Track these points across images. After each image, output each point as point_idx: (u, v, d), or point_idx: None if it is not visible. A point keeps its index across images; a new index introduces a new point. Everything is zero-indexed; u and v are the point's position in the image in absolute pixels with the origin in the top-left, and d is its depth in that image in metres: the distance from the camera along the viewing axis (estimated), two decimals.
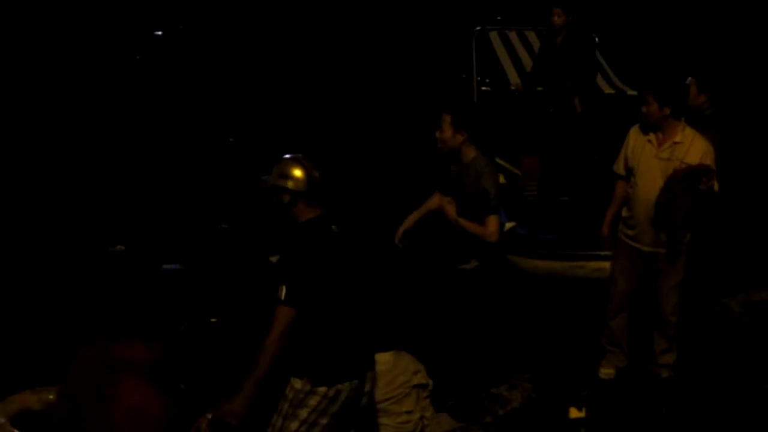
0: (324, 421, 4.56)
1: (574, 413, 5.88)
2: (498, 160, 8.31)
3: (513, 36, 9.14)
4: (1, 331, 5.97)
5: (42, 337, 5.88)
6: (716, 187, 5.69)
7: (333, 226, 4.61)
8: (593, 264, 6.86)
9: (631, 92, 8.48)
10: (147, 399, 3.65)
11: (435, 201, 5.84)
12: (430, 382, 5.47)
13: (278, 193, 4.59)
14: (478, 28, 9.11)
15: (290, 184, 4.55)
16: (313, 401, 4.57)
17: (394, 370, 5.18)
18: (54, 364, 5.16)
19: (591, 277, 6.85)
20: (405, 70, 11.97)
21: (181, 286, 3.70)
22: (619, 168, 5.98)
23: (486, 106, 8.49)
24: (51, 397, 3.85)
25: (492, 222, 5.49)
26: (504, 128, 8.45)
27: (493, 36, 9.17)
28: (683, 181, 5.58)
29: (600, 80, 8.63)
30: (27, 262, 7.08)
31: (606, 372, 6.23)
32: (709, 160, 5.67)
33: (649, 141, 5.76)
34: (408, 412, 5.11)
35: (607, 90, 8.58)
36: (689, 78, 6.33)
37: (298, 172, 4.56)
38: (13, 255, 7.15)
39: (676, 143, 5.70)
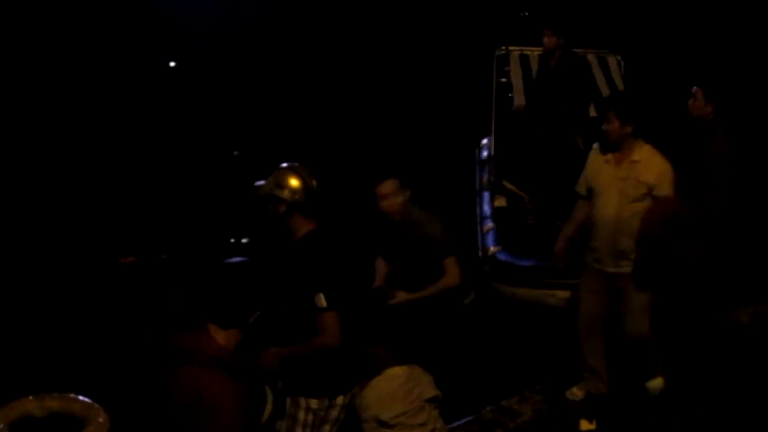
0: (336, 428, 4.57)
1: (584, 425, 5.75)
2: (505, 183, 8.17)
3: (533, 56, 8.79)
4: (7, 338, 5.89)
5: (48, 344, 5.83)
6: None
7: (329, 237, 4.50)
8: (561, 293, 6.66)
9: None
10: (210, 389, 3.33)
11: (381, 267, 5.67)
12: (439, 393, 5.34)
13: (274, 203, 4.44)
14: (503, 48, 8.92)
15: (286, 195, 4.40)
16: (334, 413, 4.55)
17: (408, 384, 5.06)
18: (59, 371, 5.13)
19: (559, 306, 6.65)
20: (428, 88, 11.80)
21: (249, 276, 3.52)
22: (581, 188, 5.77)
23: (505, 128, 8.33)
24: (53, 404, 3.76)
25: (450, 265, 5.30)
26: (514, 151, 8.30)
27: (513, 56, 8.91)
28: (665, 228, 5.42)
29: None
30: (35, 270, 7.01)
31: (573, 393, 5.97)
32: (666, 180, 5.45)
33: (607, 161, 5.56)
34: (422, 425, 4.97)
35: None
36: (694, 87, 6.19)
37: (295, 182, 4.42)
38: (21, 264, 7.08)
39: (633, 162, 5.49)
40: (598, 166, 5.62)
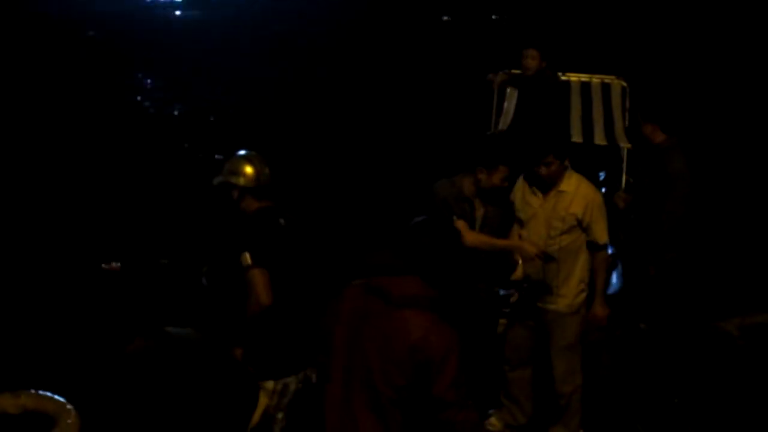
0: (280, 415, 4.53)
1: None
2: None
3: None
4: None
5: (27, 343, 5.81)
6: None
7: (281, 219, 4.64)
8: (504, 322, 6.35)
9: (624, 145, 8.13)
10: (435, 331, 3.31)
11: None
12: None
13: (228, 190, 4.64)
14: (505, 71, 8.38)
15: (241, 181, 4.60)
16: (285, 400, 4.52)
17: None
18: (38, 371, 5.09)
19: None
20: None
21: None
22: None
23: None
24: (28, 402, 3.76)
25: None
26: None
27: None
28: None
29: (598, 130, 8.32)
30: (19, 273, 6.88)
31: (491, 423, 5.69)
32: (595, 211, 5.26)
33: (534, 192, 5.36)
34: None
35: (600, 141, 8.23)
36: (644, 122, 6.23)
37: (247, 169, 4.62)
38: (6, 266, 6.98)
39: (560, 192, 5.26)
40: (526, 198, 5.41)
